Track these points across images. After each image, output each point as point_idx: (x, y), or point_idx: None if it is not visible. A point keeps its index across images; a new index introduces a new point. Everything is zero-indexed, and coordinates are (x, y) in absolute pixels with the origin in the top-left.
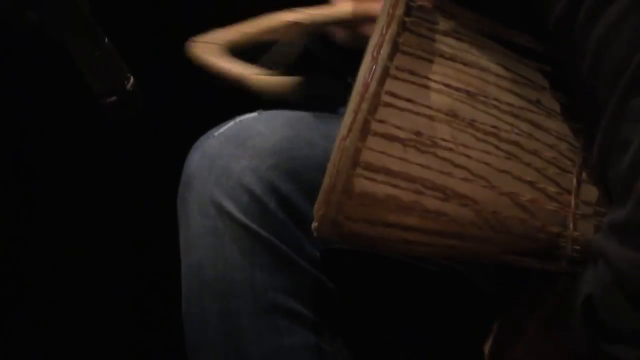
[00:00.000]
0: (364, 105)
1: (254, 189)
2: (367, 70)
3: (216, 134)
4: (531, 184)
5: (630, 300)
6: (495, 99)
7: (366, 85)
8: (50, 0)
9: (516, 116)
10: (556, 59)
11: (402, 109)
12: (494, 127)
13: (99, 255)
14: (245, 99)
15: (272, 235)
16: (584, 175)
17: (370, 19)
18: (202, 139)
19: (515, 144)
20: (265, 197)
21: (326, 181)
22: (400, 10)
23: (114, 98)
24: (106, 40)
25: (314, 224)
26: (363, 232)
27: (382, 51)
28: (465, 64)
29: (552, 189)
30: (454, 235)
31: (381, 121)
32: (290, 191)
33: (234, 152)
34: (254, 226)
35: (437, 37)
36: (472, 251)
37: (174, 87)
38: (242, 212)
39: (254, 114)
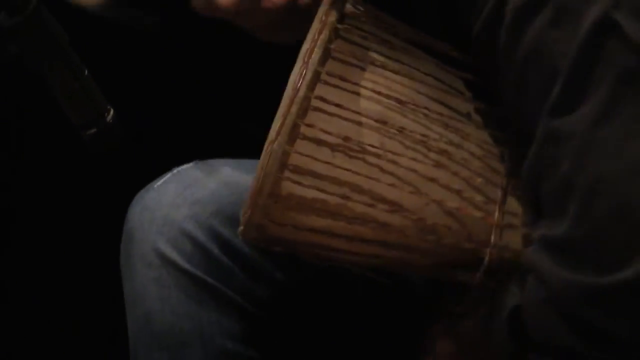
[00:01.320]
0: (293, 109)
1: (197, 236)
2: (297, 75)
3: (155, 185)
4: (458, 192)
5: (562, 319)
6: (425, 108)
7: (296, 90)
8: (29, 33)
9: (446, 126)
10: (483, 71)
11: (331, 114)
12: (423, 135)
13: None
14: (181, 151)
15: (218, 281)
16: (510, 186)
17: None
18: (142, 192)
19: (444, 153)
20: (209, 244)
21: (253, 184)
22: (332, 17)
23: (93, 130)
24: (86, 72)
25: (240, 228)
26: (288, 237)
27: (313, 56)
28: (396, 72)
29: (478, 198)
30: (379, 242)
31: (310, 125)
32: (233, 237)
33: (174, 202)
34: (199, 274)
35: (369, 45)
36: (398, 261)
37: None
38: (186, 260)
39: (190, 164)
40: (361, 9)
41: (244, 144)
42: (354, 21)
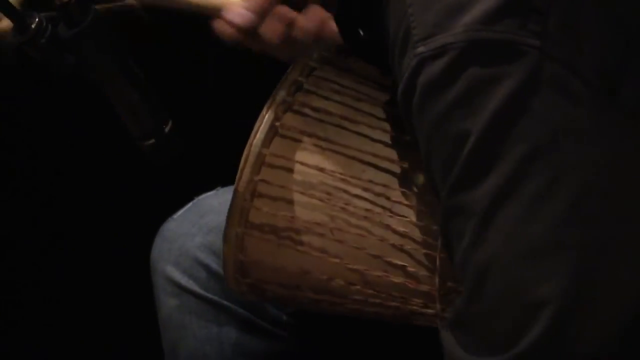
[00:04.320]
0: (240, 194)
1: (210, 264)
2: (244, 157)
3: (175, 216)
4: (402, 268)
5: None
6: (370, 181)
7: (243, 172)
8: (89, 44)
9: (389, 198)
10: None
11: (275, 198)
12: (367, 210)
13: None
14: (205, 178)
15: (234, 303)
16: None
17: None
18: (164, 224)
19: (387, 227)
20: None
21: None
22: (283, 91)
23: (152, 141)
24: (145, 83)
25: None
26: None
27: (257, 136)
28: (346, 145)
29: (422, 273)
30: (349, 308)
31: (258, 209)
32: None
33: (189, 231)
34: (216, 298)
35: (323, 116)
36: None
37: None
38: (202, 287)
39: (212, 192)
40: (337, 59)
41: None
42: (319, 79)
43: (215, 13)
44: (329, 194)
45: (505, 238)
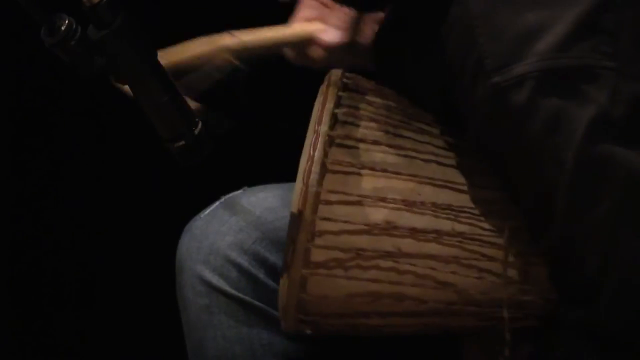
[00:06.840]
0: (302, 236)
1: (242, 263)
2: (299, 197)
3: (202, 215)
4: (477, 279)
5: None
6: (432, 202)
7: (301, 213)
8: (118, 46)
9: (455, 212)
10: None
11: (338, 233)
12: (434, 230)
13: None
14: (232, 179)
15: (265, 304)
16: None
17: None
18: (191, 222)
19: (457, 245)
20: (254, 269)
21: (280, 300)
22: (325, 126)
23: (182, 143)
24: (174, 85)
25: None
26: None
27: (311, 176)
28: (397, 172)
29: (494, 279)
30: (415, 324)
31: (321, 247)
32: (278, 260)
33: (219, 230)
34: (247, 298)
35: (368, 146)
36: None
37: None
38: (233, 286)
39: (239, 192)
40: (361, 86)
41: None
42: (351, 109)
43: (302, 42)
44: (392, 220)
45: (633, 263)
